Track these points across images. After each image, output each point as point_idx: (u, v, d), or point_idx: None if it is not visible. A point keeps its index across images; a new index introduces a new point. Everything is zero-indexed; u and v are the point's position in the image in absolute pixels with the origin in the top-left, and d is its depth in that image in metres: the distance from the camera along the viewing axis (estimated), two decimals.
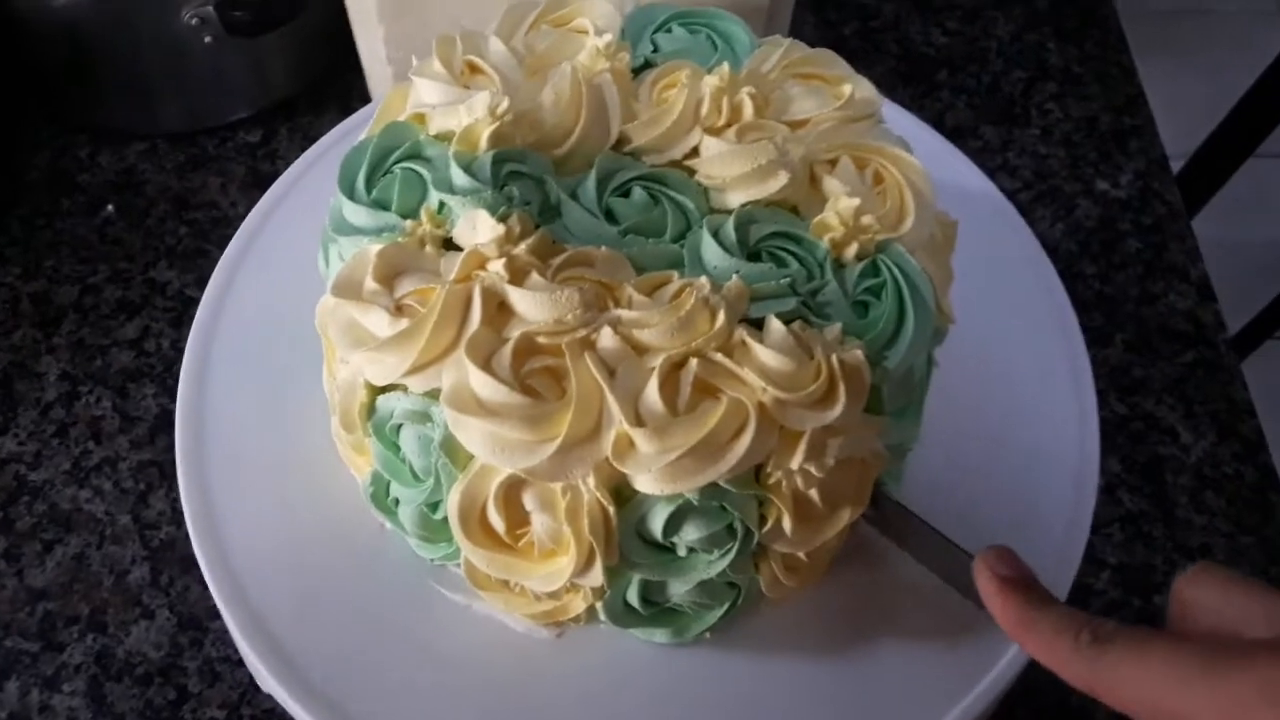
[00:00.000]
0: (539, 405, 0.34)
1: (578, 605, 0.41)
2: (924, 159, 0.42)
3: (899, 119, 0.54)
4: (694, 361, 0.35)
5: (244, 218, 0.55)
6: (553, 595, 0.40)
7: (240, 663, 0.55)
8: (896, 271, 0.38)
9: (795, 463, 0.35)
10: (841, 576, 0.44)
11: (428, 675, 0.42)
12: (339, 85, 0.73)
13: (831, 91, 0.43)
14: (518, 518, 0.37)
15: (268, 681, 0.43)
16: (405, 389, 0.37)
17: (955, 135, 0.73)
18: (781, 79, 0.43)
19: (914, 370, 0.40)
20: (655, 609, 0.41)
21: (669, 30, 0.45)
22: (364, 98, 0.70)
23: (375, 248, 0.38)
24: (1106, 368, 0.65)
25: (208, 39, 0.66)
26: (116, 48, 0.67)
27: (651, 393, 0.34)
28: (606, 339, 0.35)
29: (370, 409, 0.39)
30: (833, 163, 0.41)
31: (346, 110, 0.74)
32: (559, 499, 0.36)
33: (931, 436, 0.44)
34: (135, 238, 0.68)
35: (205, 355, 0.49)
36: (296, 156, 0.57)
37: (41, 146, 0.71)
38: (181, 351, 0.50)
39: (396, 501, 0.42)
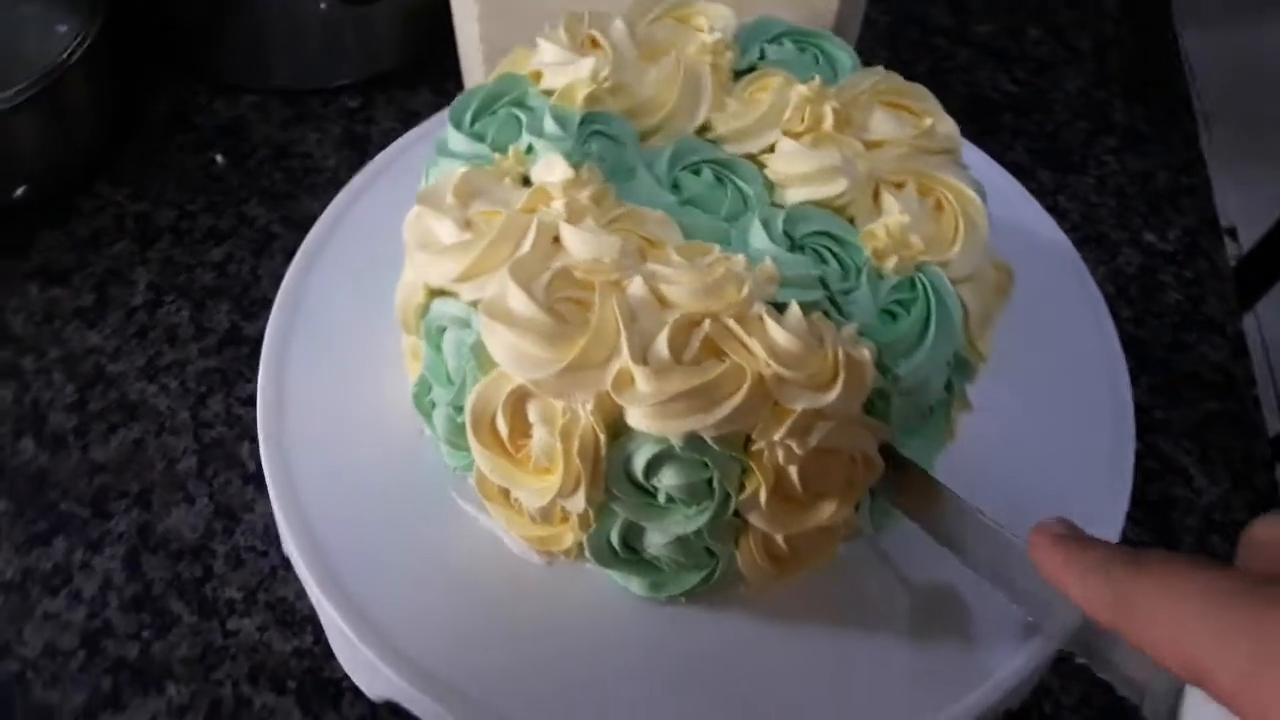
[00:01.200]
0: (559, 327, 0.38)
1: (568, 539, 0.43)
2: (995, 198, 0.44)
3: (977, 161, 0.57)
4: (708, 322, 0.38)
5: (334, 171, 0.60)
6: (545, 519, 0.43)
7: (263, 553, 0.60)
8: (930, 292, 0.40)
9: (778, 434, 0.37)
10: (836, 579, 0.45)
11: (434, 578, 0.46)
12: (436, 65, 0.79)
13: (914, 121, 0.45)
14: (521, 428, 0.40)
15: (295, 559, 0.47)
16: (456, 296, 0.41)
17: (1011, 175, 0.76)
18: (870, 101, 0.45)
19: (928, 390, 0.41)
20: (635, 556, 0.43)
21: (780, 43, 0.49)
22: (457, 79, 0.75)
23: (463, 170, 0.43)
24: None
25: (323, 5, 0.73)
26: (242, 8, 0.75)
27: (661, 339, 0.37)
28: (636, 286, 0.38)
29: (424, 310, 0.43)
30: (899, 185, 0.43)
31: (439, 89, 0.80)
32: (558, 416, 0.39)
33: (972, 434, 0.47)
34: (234, 177, 0.75)
35: (299, 294, 0.54)
36: (389, 124, 0.63)
37: (167, 89, 0.80)
38: (259, 277, 0.55)
39: (433, 404, 0.46)
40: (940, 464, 0.46)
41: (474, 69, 0.71)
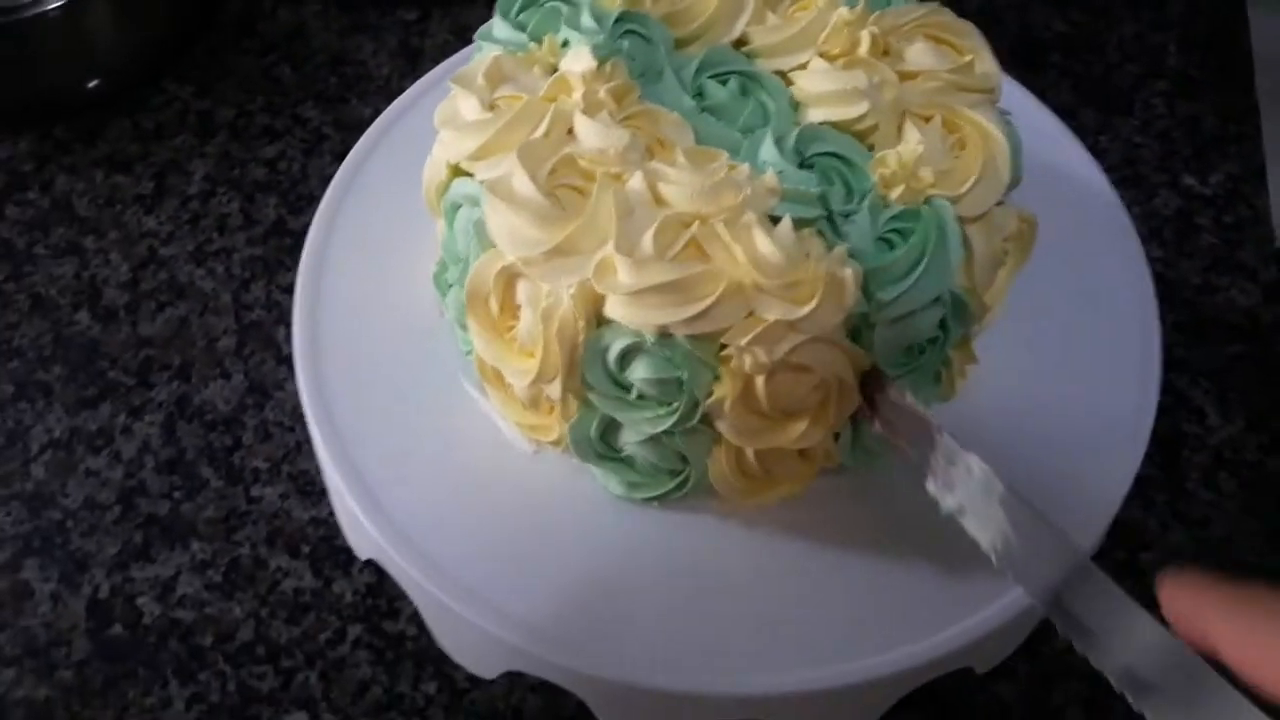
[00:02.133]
0: (554, 210, 0.39)
1: (554, 429, 0.45)
2: (1039, 139, 0.44)
3: (1023, 102, 0.57)
4: (697, 224, 0.38)
5: (386, 80, 0.62)
6: (533, 406, 0.44)
7: (290, 429, 0.63)
8: (932, 225, 0.39)
9: (745, 339, 0.38)
10: (814, 508, 0.45)
11: (430, 452, 0.48)
12: None
13: (954, 57, 0.44)
14: (511, 307, 0.42)
15: (308, 417, 0.49)
16: (471, 175, 0.43)
17: (1054, 114, 0.76)
18: (913, 32, 0.45)
19: (916, 325, 0.41)
20: (612, 453, 0.44)
21: None
22: None
23: (496, 54, 0.44)
24: None
25: None
26: None
27: (649, 233, 0.38)
28: (636, 181, 0.39)
29: (445, 187, 0.45)
30: (927, 119, 0.42)
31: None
32: (541, 298, 0.40)
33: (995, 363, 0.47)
34: (293, 79, 0.78)
35: (345, 192, 0.56)
36: (443, 37, 0.65)
37: None
38: (307, 175, 0.57)
39: (449, 285, 0.48)
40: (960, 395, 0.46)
41: None
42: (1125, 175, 0.73)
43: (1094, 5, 0.83)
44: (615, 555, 0.45)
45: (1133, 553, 0.60)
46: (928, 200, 0.40)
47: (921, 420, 0.40)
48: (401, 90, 0.60)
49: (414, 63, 0.78)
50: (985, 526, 0.37)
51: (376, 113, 0.59)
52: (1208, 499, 0.61)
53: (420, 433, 0.48)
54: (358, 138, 0.58)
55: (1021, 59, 0.78)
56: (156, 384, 0.65)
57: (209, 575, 0.59)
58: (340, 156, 0.57)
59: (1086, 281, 0.53)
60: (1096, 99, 0.77)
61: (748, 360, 0.38)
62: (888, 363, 0.40)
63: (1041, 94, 0.77)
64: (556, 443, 0.45)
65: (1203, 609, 0.28)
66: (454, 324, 0.47)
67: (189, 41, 0.80)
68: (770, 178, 0.39)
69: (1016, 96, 0.59)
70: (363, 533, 0.46)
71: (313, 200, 0.57)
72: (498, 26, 0.45)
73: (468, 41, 0.50)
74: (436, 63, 0.62)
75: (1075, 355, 0.51)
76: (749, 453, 0.42)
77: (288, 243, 0.70)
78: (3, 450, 0.63)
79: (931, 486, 0.39)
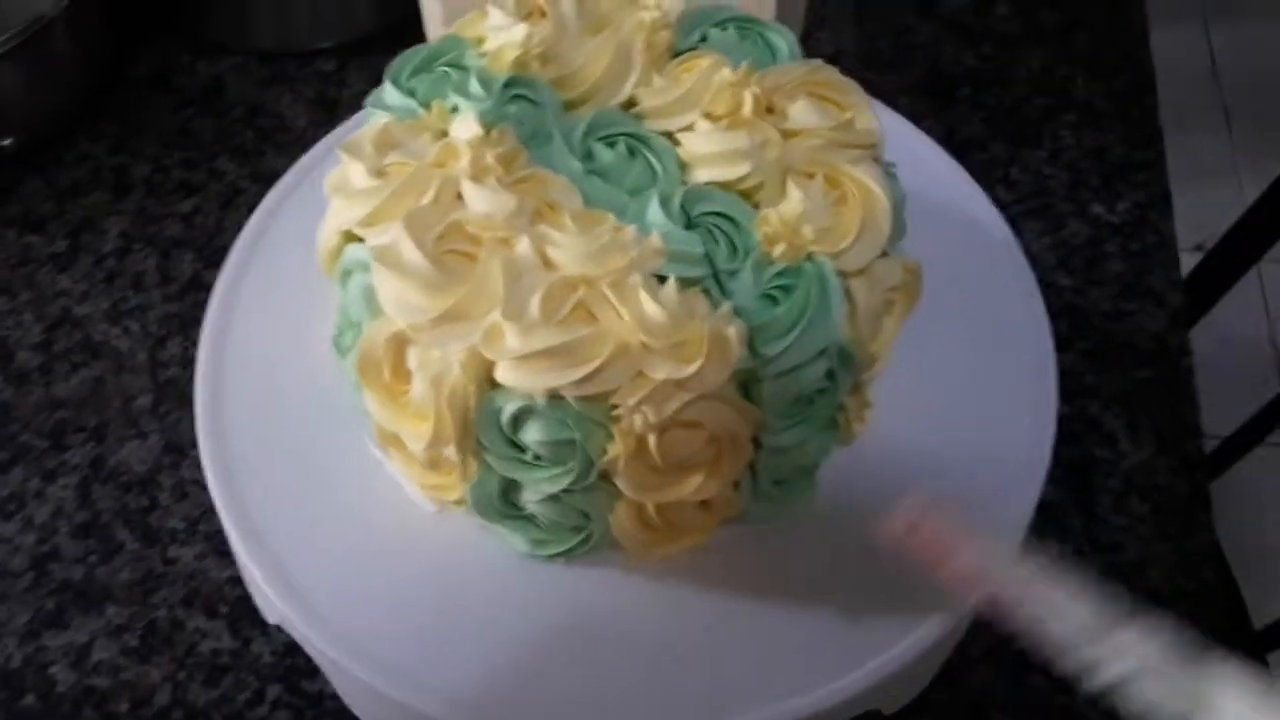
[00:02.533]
0: (441, 277, 0.39)
1: (455, 490, 0.45)
2: (922, 172, 0.46)
3: (918, 144, 0.60)
4: (583, 287, 0.39)
5: (303, 131, 0.62)
6: (433, 467, 0.44)
7: (205, 487, 0.62)
8: (814, 282, 0.40)
9: (634, 399, 0.38)
10: (721, 556, 0.46)
11: (334, 516, 0.48)
12: (413, 31, 0.82)
13: (836, 114, 0.45)
14: (403, 373, 0.42)
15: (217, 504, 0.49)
16: (363, 241, 0.43)
17: (964, 146, 0.77)
18: (796, 91, 0.45)
19: (801, 378, 0.41)
20: (515, 512, 0.44)
21: (725, 28, 0.49)
22: None
23: (385, 121, 0.44)
24: (1058, 371, 0.68)
25: None
26: None
27: (536, 298, 0.38)
28: (524, 246, 0.39)
29: (338, 253, 0.45)
30: (810, 176, 0.43)
31: None
32: (432, 364, 0.40)
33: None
34: (209, 133, 0.77)
35: (242, 273, 0.56)
36: (360, 88, 0.65)
37: (152, 48, 0.83)
38: (223, 229, 0.57)
39: (347, 349, 0.48)
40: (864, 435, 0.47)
41: (436, 32, 0.73)
42: (1034, 206, 0.75)
43: (1003, 39, 0.85)
44: (523, 615, 0.45)
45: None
46: (810, 256, 0.41)
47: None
48: (316, 141, 0.60)
49: (331, 113, 0.78)
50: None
51: (292, 164, 0.59)
52: (1120, 524, 0.63)
53: (325, 495, 0.48)
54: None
55: (933, 93, 0.80)
56: (70, 446, 0.64)
57: (125, 639, 0.58)
58: (255, 208, 0.58)
59: (983, 317, 0.54)
60: (1006, 131, 0.79)
61: (638, 420, 0.38)
62: (777, 414, 0.41)
63: (952, 128, 0.79)
64: (459, 502, 0.45)
65: None
66: (353, 384, 0.47)
67: (103, 96, 0.79)
68: (655, 239, 0.40)
69: (913, 141, 0.60)
70: (266, 599, 0.46)
71: (228, 254, 0.57)
72: (388, 93, 0.46)
73: None
74: (354, 112, 0.62)
75: (973, 391, 0.52)
76: (649, 506, 0.42)
77: (204, 298, 0.69)
78: None
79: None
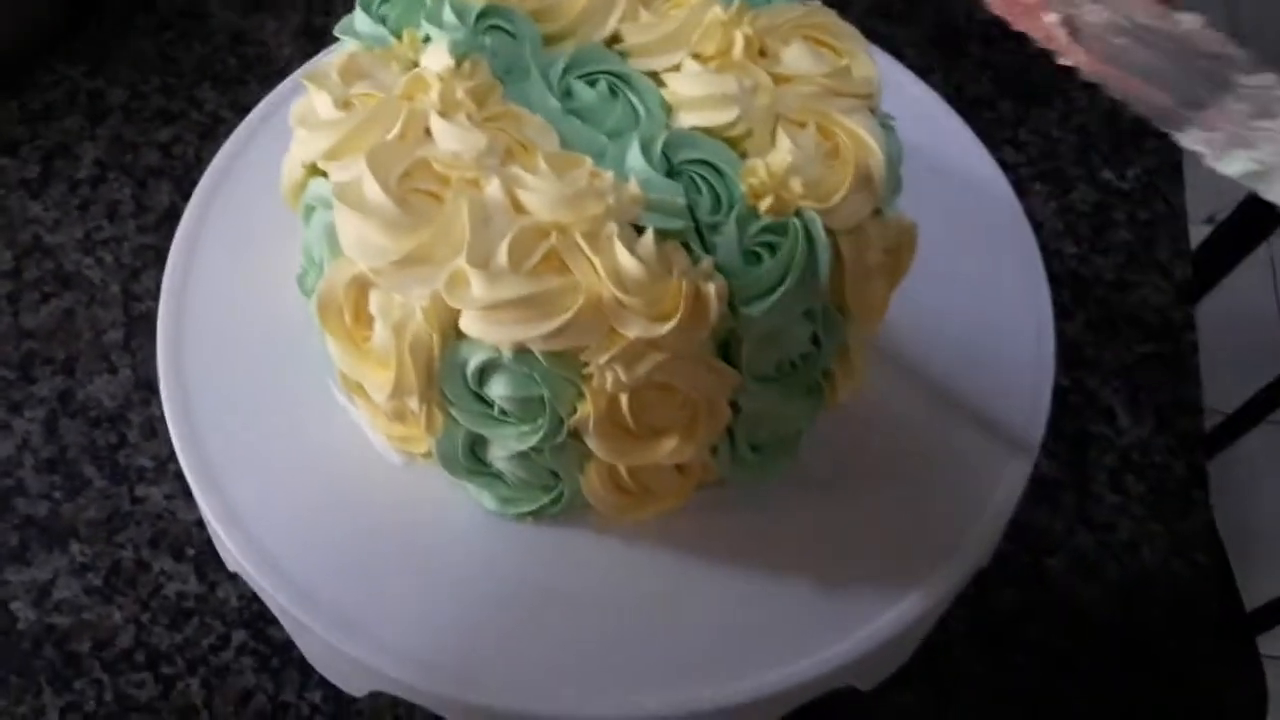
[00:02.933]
0: (404, 218, 0.37)
1: (422, 442, 0.42)
2: (923, 127, 0.43)
3: (923, 97, 0.57)
4: (555, 235, 0.36)
5: (288, 61, 0.59)
6: (398, 417, 0.42)
7: None
8: (802, 237, 0.38)
9: (604, 357, 0.36)
10: (696, 520, 0.44)
11: (295, 463, 0.45)
12: None
13: (832, 60, 0.42)
14: (364, 318, 0.39)
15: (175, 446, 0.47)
16: (326, 175, 0.40)
17: (972, 105, 0.74)
18: (791, 33, 0.42)
19: (785, 340, 0.39)
20: (482, 468, 0.42)
21: None
22: None
23: (351, 50, 0.42)
24: (1059, 342, 0.66)
25: None
26: None
27: (504, 245, 0.36)
28: (494, 188, 0.37)
29: (301, 187, 0.43)
30: (802, 125, 0.40)
31: None
32: (394, 310, 0.38)
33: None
34: (189, 59, 0.75)
35: (225, 175, 0.53)
36: (346, 15, 0.62)
37: None
38: (202, 160, 0.54)
39: (311, 290, 0.46)
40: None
41: None
42: (1043, 169, 0.73)
43: None
44: (488, 575, 0.43)
45: (1037, 556, 0.59)
46: (798, 212, 0.38)
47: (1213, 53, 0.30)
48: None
49: (317, 43, 0.75)
50: None
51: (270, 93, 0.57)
52: (1114, 502, 0.61)
53: (287, 441, 0.46)
54: None
55: (940, 48, 0.77)
56: (39, 379, 0.62)
57: (88, 579, 0.57)
58: None
59: (981, 281, 0.52)
60: (1016, 90, 0.76)
61: (609, 378, 0.36)
62: (757, 378, 0.39)
63: (959, 85, 0.76)
64: (426, 455, 0.43)
65: None
66: (318, 330, 0.45)
67: (81, 18, 0.76)
68: (633, 187, 0.37)
69: (916, 91, 0.57)
70: (224, 547, 0.44)
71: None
72: (359, 19, 0.43)
73: None
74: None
75: (967, 358, 0.50)
76: (622, 469, 0.41)
77: None
78: None
79: (1195, 143, 0.30)
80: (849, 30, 0.43)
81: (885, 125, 0.42)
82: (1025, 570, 0.59)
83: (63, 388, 0.62)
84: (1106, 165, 0.73)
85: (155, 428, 0.61)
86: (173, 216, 0.69)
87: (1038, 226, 0.55)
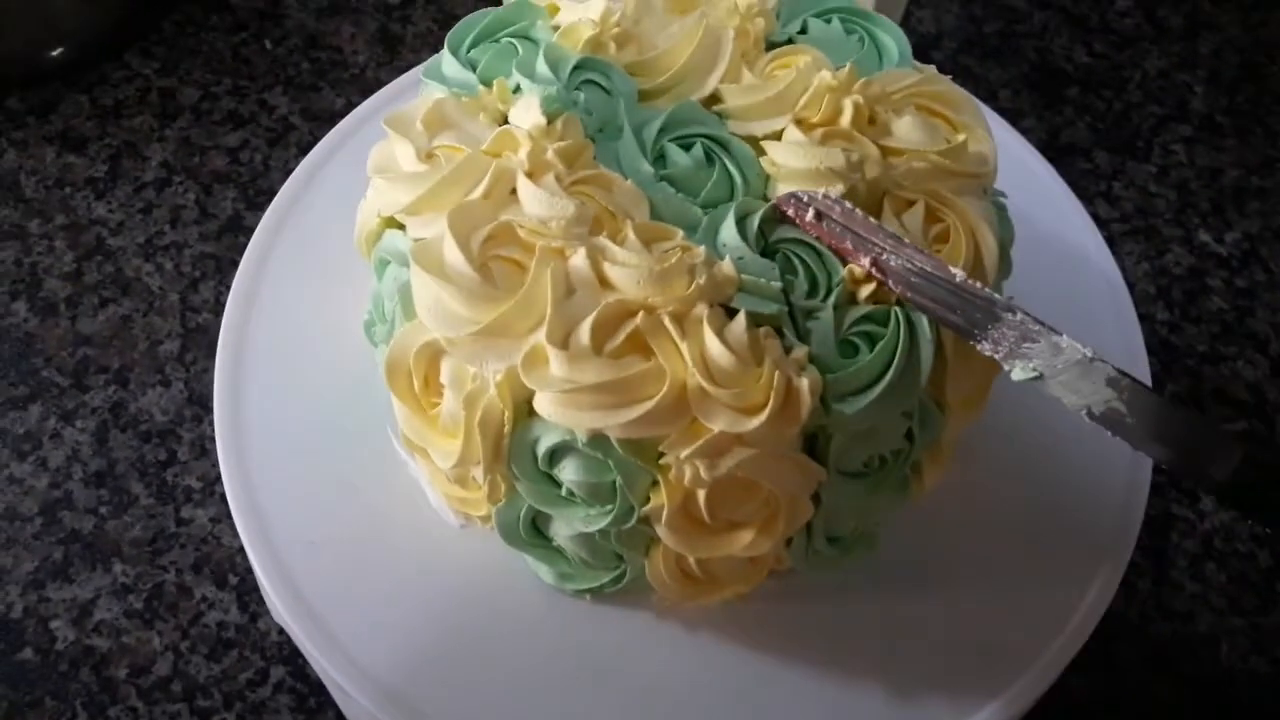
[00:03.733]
0: (484, 287, 0.35)
1: (482, 506, 0.40)
2: (1022, 181, 0.40)
3: (1010, 143, 0.53)
4: (642, 315, 0.34)
5: (362, 68, 0.57)
6: (459, 482, 0.40)
7: None
8: (904, 331, 0.35)
9: (685, 452, 0.34)
10: (761, 605, 0.42)
11: (349, 514, 0.44)
12: None
13: (947, 133, 0.40)
14: (434, 385, 0.38)
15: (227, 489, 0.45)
16: (404, 229, 0.39)
17: (1065, 152, 0.71)
18: (904, 102, 0.40)
19: (878, 438, 0.37)
20: (542, 542, 0.40)
21: (828, 20, 0.43)
22: None
23: (438, 97, 0.40)
24: None
25: None
26: None
27: (586, 323, 0.34)
28: (579, 259, 0.35)
29: (376, 238, 0.41)
30: (910, 203, 0.38)
31: None
32: (466, 382, 0.36)
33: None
34: (263, 61, 0.73)
35: (298, 197, 0.52)
36: (425, 25, 0.60)
37: None
38: (269, 169, 0.53)
39: (378, 342, 0.43)
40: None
41: None
42: (1137, 226, 0.69)
43: (1120, 35, 0.78)
44: (541, 649, 0.41)
45: (1108, 643, 0.56)
46: (899, 301, 0.36)
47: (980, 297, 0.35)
48: (376, 82, 0.56)
49: (393, 51, 0.74)
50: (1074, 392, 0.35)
51: (349, 104, 0.55)
52: (1194, 591, 0.58)
53: (342, 492, 0.44)
54: (326, 130, 0.54)
55: (1037, 90, 0.74)
56: (92, 387, 0.61)
57: (129, 601, 0.56)
58: (306, 150, 0.54)
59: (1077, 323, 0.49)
60: (1113, 140, 0.72)
61: (688, 473, 0.34)
62: (844, 474, 0.37)
63: (1056, 131, 0.73)
64: (485, 519, 0.41)
65: None
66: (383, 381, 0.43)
67: (157, 14, 0.75)
68: (727, 266, 0.35)
69: (1005, 139, 0.54)
70: (269, 600, 0.43)
71: (273, 196, 0.53)
72: (446, 64, 0.41)
73: None
74: (417, 53, 0.58)
75: (1059, 449, 0.47)
76: (690, 558, 0.38)
77: (242, 240, 0.66)
78: None
79: (987, 351, 0.35)
80: (967, 100, 0.41)
81: (998, 204, 0.39)
82: (1095, 657, 0.56)
83: (115, 399, 0.61)
84: (1204, 226, 0.70)
85: (205, 447, 0.60)
86: (235, 225, 0.69)
87: (1129, 290, 0.52)
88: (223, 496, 0.58)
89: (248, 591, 0.56)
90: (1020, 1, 0.81)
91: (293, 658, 0.54)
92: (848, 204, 0.36)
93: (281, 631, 0.55)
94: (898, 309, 0.36)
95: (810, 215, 0.37)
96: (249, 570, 0.56)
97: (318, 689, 0.54)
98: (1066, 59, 0.77)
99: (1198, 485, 0.36)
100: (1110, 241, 0.54)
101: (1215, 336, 0.66)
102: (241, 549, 0.57)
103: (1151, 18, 0.80)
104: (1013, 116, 0.73)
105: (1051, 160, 0.55)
